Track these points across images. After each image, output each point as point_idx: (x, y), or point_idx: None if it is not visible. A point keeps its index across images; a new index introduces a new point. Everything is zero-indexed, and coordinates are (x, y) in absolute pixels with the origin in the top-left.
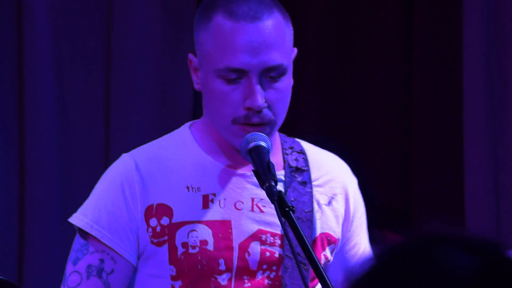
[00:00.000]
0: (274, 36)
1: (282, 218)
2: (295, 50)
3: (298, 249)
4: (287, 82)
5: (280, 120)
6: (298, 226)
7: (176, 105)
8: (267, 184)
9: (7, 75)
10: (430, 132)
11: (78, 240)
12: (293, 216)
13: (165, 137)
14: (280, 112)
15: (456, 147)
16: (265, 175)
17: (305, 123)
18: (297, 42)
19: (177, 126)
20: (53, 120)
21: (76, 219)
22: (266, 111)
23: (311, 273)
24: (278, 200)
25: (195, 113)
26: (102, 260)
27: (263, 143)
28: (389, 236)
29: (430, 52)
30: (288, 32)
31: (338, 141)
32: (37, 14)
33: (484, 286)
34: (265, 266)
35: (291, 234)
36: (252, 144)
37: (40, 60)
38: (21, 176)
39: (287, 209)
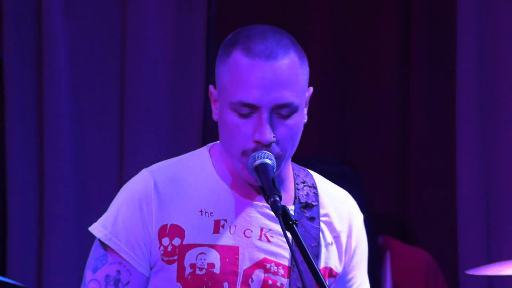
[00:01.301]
0: (287, 75)
1: (286, 231)
2: (311, 89)
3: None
4: (298, 120)
5: (289, 155)
6: (301, 239)
7: (186, 125)
8: (272, 199)
9: (28, 95)
10: (425, 148)
11: (97, 249)
12: (296, 229)
13: (186, 156)
14: (288, 148)
15: (449, 163)
16: (270, 191)
17: (307, 138)
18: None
19: (187, 144)
20: (70, 138)
21: (96, 230)
22: (274, 146)
23: None
24: (282, 214)
25: (204, 133)
26: (119, 272)
27: (268, 161)
28: (389, 242)
29: (425, 72)
30: (302, 72)
31: (340, 157)
32: (56, 38)
33: None
34: None
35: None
36: (258, 162)
37: (59, 81)
38: (40, 191)
39: (290, 222)
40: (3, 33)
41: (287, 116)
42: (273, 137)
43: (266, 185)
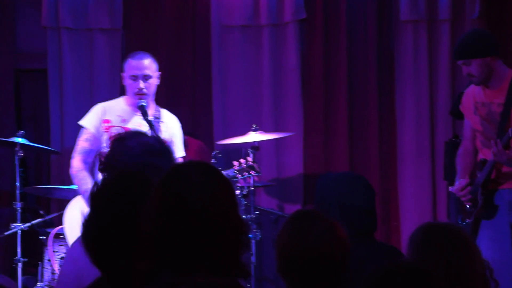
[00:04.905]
0: (148, 65)
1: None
2: (158, 73)
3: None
4: (153, 81)
5: (151, 95)
6: (153, 125)
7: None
8: (145, 117)
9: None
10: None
11: (82, 129)
12: (151, 122)
13: (115, 99)
14: (150, 92)
15: None
16: (144, 114)
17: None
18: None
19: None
20: None
21: (82, 122)
22: (144, 90)
23: None
24: (148, 122)
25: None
26: (90, 135)
27: (144, 103)
28: (190, 141)
29: None
30: (154, 64)
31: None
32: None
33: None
34: None
35: None
36: (140, 103)
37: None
38: None
39: (149, 120)
40: None
41: (149, 80)
42: (143, 87)
43: (142, 112)
